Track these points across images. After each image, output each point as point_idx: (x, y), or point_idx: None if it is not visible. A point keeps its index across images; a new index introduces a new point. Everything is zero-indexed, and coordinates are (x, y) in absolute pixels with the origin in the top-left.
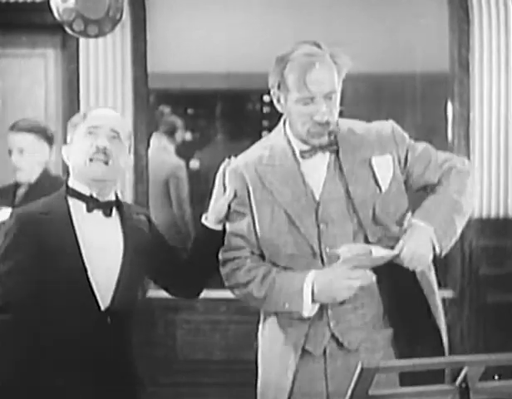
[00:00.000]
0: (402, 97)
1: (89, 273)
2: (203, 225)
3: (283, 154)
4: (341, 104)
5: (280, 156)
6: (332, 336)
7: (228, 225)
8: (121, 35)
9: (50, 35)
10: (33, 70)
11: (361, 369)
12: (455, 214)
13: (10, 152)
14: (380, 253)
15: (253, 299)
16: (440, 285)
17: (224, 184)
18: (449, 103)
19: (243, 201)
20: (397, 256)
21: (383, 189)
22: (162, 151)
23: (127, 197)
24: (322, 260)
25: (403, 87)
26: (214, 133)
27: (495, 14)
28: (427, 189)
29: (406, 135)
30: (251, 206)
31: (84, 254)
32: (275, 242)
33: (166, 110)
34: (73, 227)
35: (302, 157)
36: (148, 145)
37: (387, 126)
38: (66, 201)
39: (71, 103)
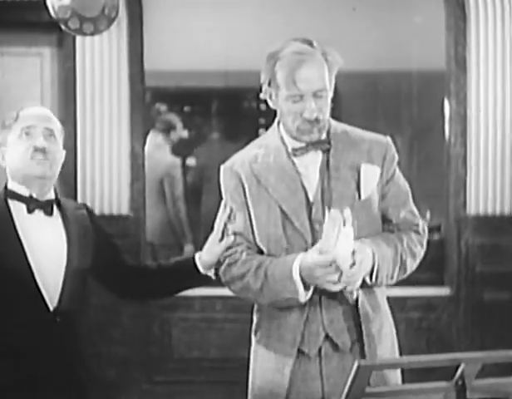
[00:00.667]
0: (399, 95)
1: (35, 274)
2: (194, 264)
3: (278, 152)
4: (338, 102)
5: (275, 154)
6: (327, 336)
7: (222, 221)
8: (117, 33)
9: (46, 33)
10: (29, 68)
11: (358, 366)
12: (398, 266)
13: None
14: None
15: (249, 292)
16: (436, 283)
17: (223, 231)
18: (445, 101)
19: (238, 199)
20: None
21: (362, 197)
22: (157, 149)
23: (123, 195)
24: None
25: (400, 85)
26: (211, 131)
27: (492, 12)
28: (384, 222)
29: (396, 157)
30: (247, 203)
31: (28, 256)
32: (271, 237)
33: (162, 108)
34: (15, 229)
35: (294, 155)
36: (144, 143)
37: (383, 141)
38: (6, 203)
39: (68, 101)
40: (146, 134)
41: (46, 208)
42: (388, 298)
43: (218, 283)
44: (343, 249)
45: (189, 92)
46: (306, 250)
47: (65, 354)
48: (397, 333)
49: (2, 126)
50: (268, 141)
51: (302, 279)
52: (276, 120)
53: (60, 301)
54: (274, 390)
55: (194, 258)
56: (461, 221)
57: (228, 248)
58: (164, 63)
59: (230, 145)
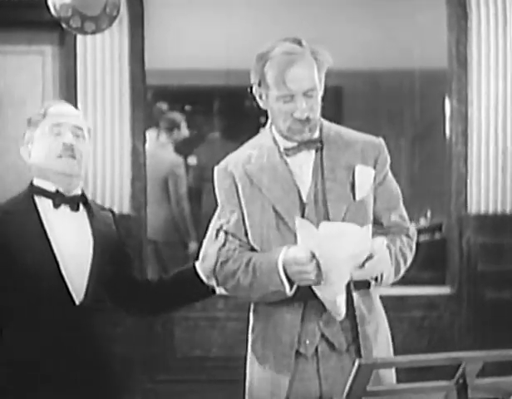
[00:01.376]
0: (400, 94)
1: (61, 268)
2: (195, 272)
3: (271, 152)
4: (340, 100)
5: (268, 155)
6: (323, 336)
7: (217, 222)
8: (119, 31)
9: (47, 32)
10: (31, 67)
11: (359, 365)
12: (394, 267)
13: None
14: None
15: (241, 289)
16: (438, 282)
17: (217, 231)
18: (447, 100)
19: (232, 199)
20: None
21: (357, 198)
22: (161, 148)
23: (125, 194)
24: None
25: (401, 84)
26: (212, 130)
27: (493, 11)
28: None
29: (388, 160)
30: (240, 203)
31: (55, 250)
32: (265, 237)
33: (164, 106)
34: (42, 224)
35: (287, 155)
36: (145, 141)
37: (376, 143)
38: (33, 199)
39: (69, 100)
40: (147, 132)
41: (72, 203)
42: (390, 297)
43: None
44: (328, 250)
45: (191, 91)
46: None
47: (88, 349)
48: (399, 332)
49: (29, 124)
50: (262, 142)
51: (286, 272)
52: (269, 121)
53: (85, 295)
54: (275, 391)
55: (194, 266)
56: (463, 220)
57: (222, 247)
58: (165, 62)
59: (231, 143)
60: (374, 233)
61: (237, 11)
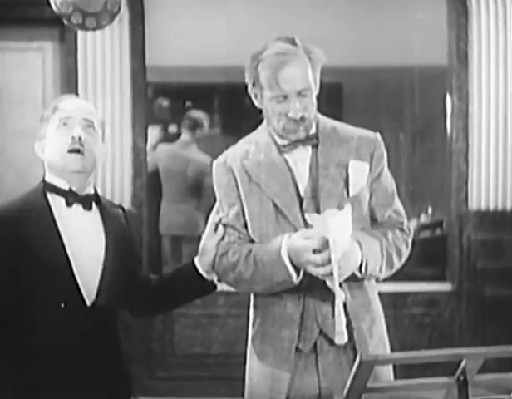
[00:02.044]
0: (401, 91)
1: (73, 267)
2: (194, 267)
3: (268, 148)
4: (340, 98)
5: (265, 151)
6: (321, 332)
7: (215, 217)
8: (119, 28)
9: (48, 28)
10: (31, 63)
11: (360, 361)
12: (385, 259)
13: None
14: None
15: (243, 282)
16: (438, 278)
17: (216, 224)
18: (447, 97)
19: (231, 193)
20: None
21: (350, 194)
22: (185, 147)
23: (126, 191)
24: None
25: (402, 81)
26: (212, 126)
27: (493, 8)
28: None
29: (385, 155)
30: (240, 197)
31: (67, 249)
32: (264, 230)
33: (164, 103)
34: (55, 222)
35: (283, 151)
36: (146, 138)
37: (372, 138)
38: (45, 197)
39: None
40: (147, 129)
41: (85, 202)
42: (390, 294)
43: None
44: (337, 234)
45: (191, 88)
46: None
47: (100, 349)
48: (399, 328)
49: (41, 119)
50: (259, 138)
51: (291, 260)
52: (265, 119)
53: (97, 296)
54: (275, 386)
55: (193, 262)
56: (463, 217)
57: (221, 240)
58: (165, 59)
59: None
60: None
61: (238, 8)
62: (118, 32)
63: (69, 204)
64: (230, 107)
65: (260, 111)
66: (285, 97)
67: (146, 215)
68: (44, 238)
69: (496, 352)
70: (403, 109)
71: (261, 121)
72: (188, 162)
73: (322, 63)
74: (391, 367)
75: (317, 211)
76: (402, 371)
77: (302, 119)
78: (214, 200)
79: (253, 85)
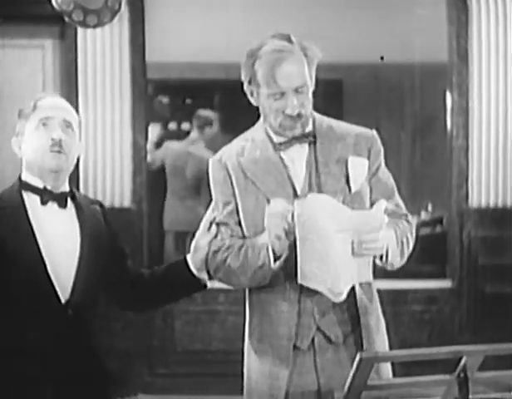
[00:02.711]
0: (401, 88)
1: (47, 265)
2: (186, 265)
3: (264, 146)
4: (341, 94)
5: (261, 148)
6: (319, 329)
7: (210, 215)
8: (119, 25)
9: (48, 25)
10: (31, 60)
11: (360, 359)
12: (400, 249)
13: None
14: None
15: (232, 275)
16: (438, 275)
17: (210, 222)
18: (447, 93)
19: (227, 190)
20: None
21: (353, 190)
22: (193, 145)
23: (126, 188)
24: None
25: (402, 77)
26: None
27: (493, 4)
28: None
29: (382, 151)
30: (235, 195)
31: (41, 247)
32: (259, 228)
33: (164, 100)
34: (29, 220)
35: (279, 149)
36: (146, 135)
37: (368, 134)
38: (21, 195)
39: (70, 94)
40: (148, 126)
41: (60, 200)
42: (390, 291)
43: None
44: (309, 214)
45: (191, 84)
46: (294, 243)
47: (76, 347)
48: (399, 326)
49: (20, 115)
50: (255, 135)
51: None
52: (261, 116)
53: (72, 293)
54: (273, 384)
55: (185, 259)
56: (463, 214)
57: (214, 239)
58: (165, 55)
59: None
60: None
61: (238, 4)
62: (118, 28)
63: (44, 203)
64: (231, 104)
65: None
66: (282, 94)
67: (147, 212)
68: (18, 236)
69: (496, 350)
70: (403, 106)
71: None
72: (194, 160)
73: (318, 60)
74: (389, 365)
75: None
76: (402, 368)
77: (299, 115)
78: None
79: (249, 82)
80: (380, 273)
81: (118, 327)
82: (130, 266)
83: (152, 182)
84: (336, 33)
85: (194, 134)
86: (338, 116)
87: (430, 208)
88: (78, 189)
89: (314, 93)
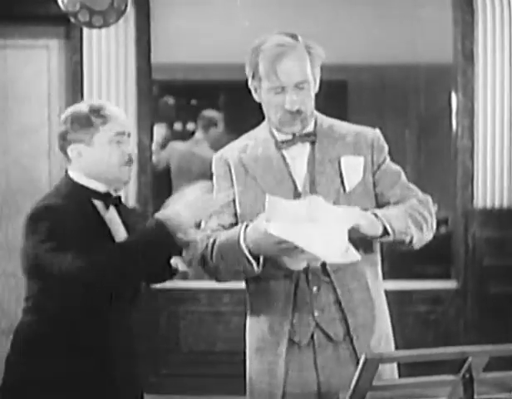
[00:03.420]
0: (406, 88)
1: None
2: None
3: (266, 144)
4: (346, 95)
5: (263, 146)
6: (317, 326)
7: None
8: (125, 26)
9: (53, 26)
10: (36, 61)
11: (365, 359)
12: (410, 220)
13: None
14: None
15: (217, 271)
16: (443, 276)
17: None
18: (453, 94)
19: (226, 184)
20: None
21: (347, 190)
22: (196, 145)
23: (131, 188)
24: None
25: (407, 79)
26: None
27: (499, 6)
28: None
29: (386, 147)
30: (233, 189)
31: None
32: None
33: (170, 100)
34: (106, 224)
35: (281, 147)
36: (152, 136)
37: (370, 132)
38: (89, 200)
39: (75, 94)
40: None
41: (118, 204)
42: (395, 292)
43: None
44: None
45: (197, 85)
46: None
47: (134, 343)
48: (404, 326)
49: (88, 125)
50: (259, 134)
51: (249, 249)
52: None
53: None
54: (272, 382)
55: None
56: (468, 214)
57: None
58: (171, 56)
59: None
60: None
61: (244, 5)
62: (124, 29)
63: (107, 207)
64: (236, 104)
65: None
66: (282, 89)
67: (152, 212)
68: (95, 233)
69: (501, 350)
70: (408, 106)
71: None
72: (199, 160)
73: (322, 60)
74: (395, 365)
75: None
76: (407, 369)
77: (299, 112)
78: None
79: (253, 77)
80: (384, 274)
81: None
82: None
83: (157, 182)
84: (341, 34)
85: (199, 134)
86: (343, 117)
87: (435, 208)
88: None
89: (319, 94)
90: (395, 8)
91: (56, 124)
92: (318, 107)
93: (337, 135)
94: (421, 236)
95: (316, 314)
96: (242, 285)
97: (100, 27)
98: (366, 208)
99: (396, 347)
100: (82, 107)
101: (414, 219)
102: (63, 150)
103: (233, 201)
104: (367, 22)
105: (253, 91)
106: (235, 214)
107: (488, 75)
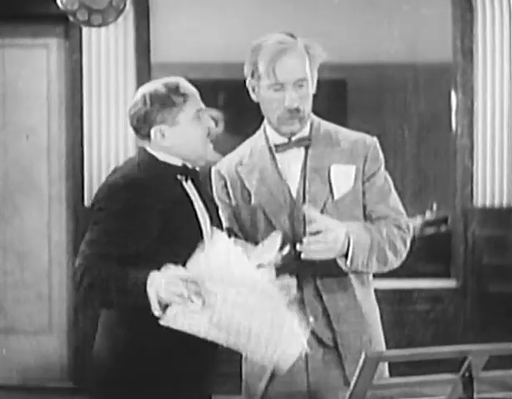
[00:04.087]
0: (405, 87)
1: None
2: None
3: (261, 153)
4: (345, 94)
5: (259, 156)
6: (312, 332)
7: None
8: (124, 25)
9: (52, 25)
10: (36, 60)
11: (365, 358)
12: (375, 255)
13: None
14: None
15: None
16: (443, 275)
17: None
18: (452, 93)
19: (224, 199)
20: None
21: (335, 198)
22: None
23: None
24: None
25: (406, 77)
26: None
27: (498, 4)
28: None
29: (382, 158)
30: (231, 205)
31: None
32: (256, 238)
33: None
34: (191, 201)
35: (277, 151)
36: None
37: (367, 140)
38: (175, 178)
39: (74, 93)
40: None
41: (195, 177)
42: (395, 291)
43: None
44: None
45: (196, 84)
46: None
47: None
48: (404, 325)
49: (164, 104)
50: (254, 143)
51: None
52: (264, 119)
53: None
54: (263, 384)
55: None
56: (468, 213)
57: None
58: (171, 55)
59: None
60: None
61: (243, 3)
62: (123, 28)
63: (186, 179)
64: (236, 104)
65: None
66: (282, 86)
67: None
68: (180, 209)
69: (501, 349)
70: (407, 105)
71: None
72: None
73: (321, 60)
74: (386, 366)
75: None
76: (407, 367)
77: (298, 110)
78: None
79: (252, 76)
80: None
81: None
82: None
83: None
84: (340, 33)
85: None
86: (342, 116)
87: (434, 207)
88: (83, 188)
89: (318, 92)
90: (394, 7)
91: (56, 123)
92: (318, 106)
93: (333, 141)
94: (383, 268)
95: (311, 320)
96: None
97: (99, 26)
98: (355, 216)
99: (396, 346)
100: (158, 87)
101: (381, 253)
102: (141, 131)
103: (235, 217)
104: (366, 21)
105: (250, 91)
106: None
107: (487, 73)
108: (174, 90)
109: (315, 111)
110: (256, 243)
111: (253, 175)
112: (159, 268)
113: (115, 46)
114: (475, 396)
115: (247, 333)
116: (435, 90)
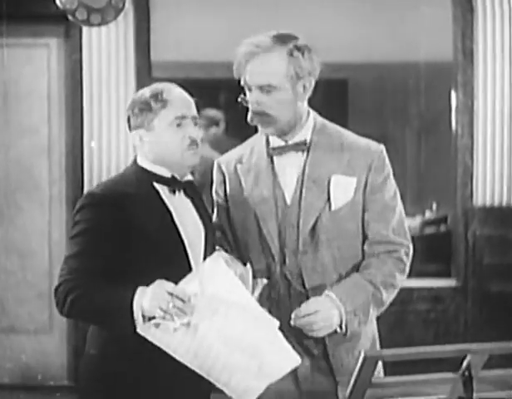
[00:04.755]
0: (406, 87)
1: (189, 254)
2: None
3: (260, 154)
4: (346, 93)
5: (257, 156)
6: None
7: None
8: (124, 24)
9: (53, 25)
10: (36, 60)
11: (365, 357)
12: (371, 307)
13: None
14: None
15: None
16: (443, 274)
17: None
18: (452, 92)
19: (221, 193)
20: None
21: (332, 208)
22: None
23: None
24: (282, 263)
25: (407, 77)
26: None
27: (499, 4)
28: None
29: (388, 168)
30: (227, 204)
31: (180, 229)
32: (245, 239)
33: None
34: (168, 209)
35: (273, 154)
36: None
37: (372, 149)
38: (152, 185)
39: (74, 93)
40: None
41: (188, 188)
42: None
43: None
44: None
45: (197, 84)
46: (270, 258)
47: None
48: (404, 325)
49: (147, 109)
50: (255, 142)
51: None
52: None
53: None
54: None
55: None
56: (468, 212)
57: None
58: (171, 54)
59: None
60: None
61: (243, 3)
62: (123, 27)
63: (173, 192)
64: (237, 103)
65: None
66: (249, 89)
67: None
68: (160, 225)
69: (501, 348)
70: (408, 105)
71: None
72: (200, 159)
73: (315, 68)
74: (380, 365)
75: (298, 222)
76: (407, 366)
77: (266, 115)
78: None
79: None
80: None
81: None
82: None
83: None
84: (341, 33)
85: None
86: (343, 116)
87: (434, 207)
88: (82, 189)
89: (319, 92)
90: (395, 7)
91: (57, 123)
92: (319, 106)
93: (335, 147)
94: (378, 312)
95: (300, 335)
96: None
97: (98, 25)
98: (350, 230)
99: (397, 345)
100: (145, 92)
101: (377, 302)
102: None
103: (228, 217)
104: (367, 21)
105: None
106: (229, 237)
107: (488, 73)
108: (156, 95)
109: (316, 111)
110: (244, 249)
111: (249, 176)
112: (147, 285)
113: (116, 45)
114: (475, 395)
115: (220, 369)
116: (435, 89)
